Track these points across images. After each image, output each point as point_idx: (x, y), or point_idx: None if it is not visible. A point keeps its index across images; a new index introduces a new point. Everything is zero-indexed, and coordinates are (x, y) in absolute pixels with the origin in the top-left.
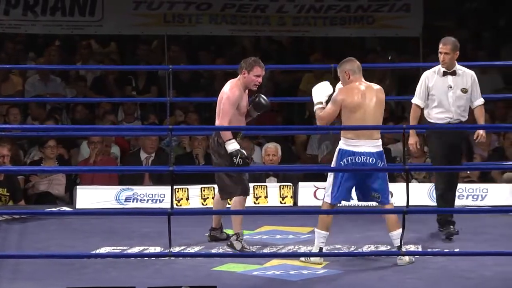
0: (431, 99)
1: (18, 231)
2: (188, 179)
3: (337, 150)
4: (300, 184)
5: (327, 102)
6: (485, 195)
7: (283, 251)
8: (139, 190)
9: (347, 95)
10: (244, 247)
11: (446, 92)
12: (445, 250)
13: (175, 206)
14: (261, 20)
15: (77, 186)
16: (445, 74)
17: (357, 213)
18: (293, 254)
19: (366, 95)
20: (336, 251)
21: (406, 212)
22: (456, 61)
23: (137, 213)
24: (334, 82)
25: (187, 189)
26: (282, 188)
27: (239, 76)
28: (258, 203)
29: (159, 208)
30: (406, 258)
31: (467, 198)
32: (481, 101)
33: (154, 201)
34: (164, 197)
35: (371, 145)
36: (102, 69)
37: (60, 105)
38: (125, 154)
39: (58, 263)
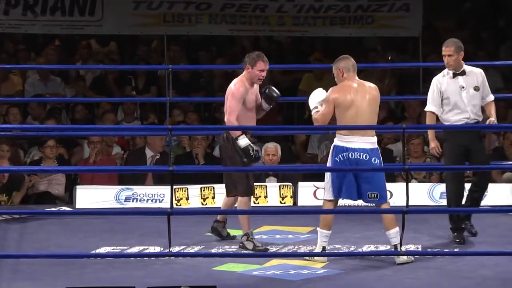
0: (445, 103)
1: (17, 231)
2: (188, 179)
3: (332, 146)
4: (300, 184)
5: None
6: (485, 195)
7: (283, 251)
8: (139, 190)
9: (339, 93)
10: (256, 245)
11: (460, 93)
12: (445, 250)
13: (174, 206)
14: (260, 20)
15: (77, 186)
16: (455, 75)
17: (357, 213)
18: (293, 254)
19: (359, 93)
20: (335, 251)
21: (406, 212)
22: (463, 61)
23: (137, 213)
24: (333, 82)
25: (187, 189)
26: (282, 188)
27: (244, 72)
28: (258, 203)
29: (159, 208)
30: (405, 256)
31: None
32: (491, 97)
33: (154, 201)
34: (163, 197)
35: (365, 142)
36: (102, 69)
37: (60, 105)
38: (130, 150)
39: (58, 263)
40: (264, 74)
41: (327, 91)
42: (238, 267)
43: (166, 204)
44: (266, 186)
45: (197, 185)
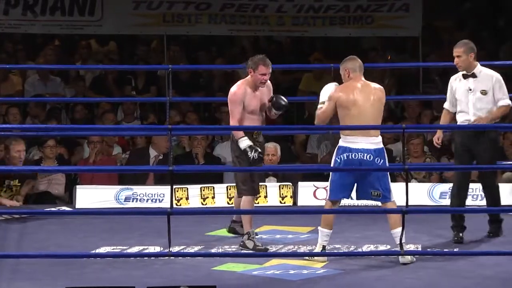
0: (456, 103)
1: (17, 231)
2: (188, 178)
3: (337, 147)
4: (300, 183)
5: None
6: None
7: (283, 250)
8: (139, 189)
9: (342, 92)
10: (256, 245)
11: (467, 95)
12: (445, 250)
13: (174, 205)
14: (260, 20)
15: (77, 186)
16: (465, 77)
17: (357, 213)
18: (293, 254)
19: (362, 93)
20: (335, 251)
21: (406, 212)
22: (477, 63)
23: (137, 213)
24: (333, 81)
25: (187, 188)
26: (282, 188)
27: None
28: (258, 203)
29: (159, 207)
30: (409, 256)
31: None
32: (503, 102)
33: (154, 200)
34: (163, 196)
35: (369, 142)
36: (102, 69)
37: (60, 105)
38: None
39: (58, 263)
40: (266, 78)
41: None
42: (238, 267)
43: (166, 204)
44: (266, 186)
45: (197, 185)
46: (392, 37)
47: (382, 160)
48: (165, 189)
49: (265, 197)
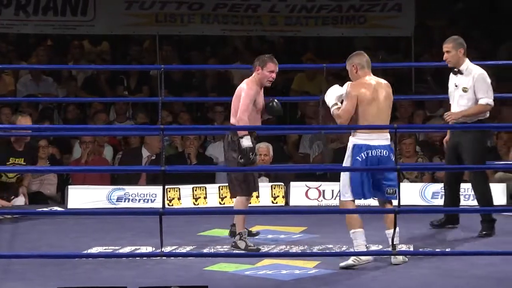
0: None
1: (9, 231)
2: (180, 179)
3: (351, 146)
4: (292, 183)
5: (342, 102)
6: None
7: (275, 251)
8: (131, 190)
9: (361, 89)
10: (248, 245)
11: (453, 91)
12: (437, 250)
13: (166, 206)
14: (253, 20)
15: (69, 186)
16: (454, 73)
17: (350, 213)
18: (285, 254)
19: (378, 90)
20: (328, 251)
21: (398, 211)
22: (467, 59)
23: (129, 213)
24: (325, 81)
25: (179, 189)
26: (274, 188)
27: (253, 74)
28: (250, 203)
29: (151, 208)
30: (400, 257)
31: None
32: (483, 101)
33: (146, 201)
34: (155, 197)
35: (383, 138)
36: (94, 69)
37: (52, 105)
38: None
39: (50, 263)
40: (273, 75)
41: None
42: (230, 267)
43: (158, 204)
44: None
45: (189, 185)
46: (385, 37)
47: (393, 156)
48: (157, 189)
49: (257, 197)
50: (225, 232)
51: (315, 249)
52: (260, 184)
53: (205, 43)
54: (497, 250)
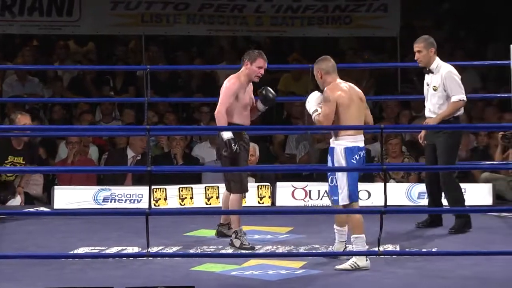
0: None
1: None
2: (166, 179)
3: (341, 150)
4: (278, 184)
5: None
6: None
7: (262, 251)
8: (117, 190)
9: (339, 92)
10: (243, 243)
11: (427, 90)
12: (423, 250)
13: (153, 206)
14: (238, 20)
15: (55, 187)
16: (427, 72)
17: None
18: (272, 254)
19: (352, 92)
20: (314, 251)
21: (384, 212)
22: (437, 58)
23: (115, 213)
24: (311, 82)
25: (165, 189)
26: (260, 188)
27: (242, 68)
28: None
29: (137, 208)
30: (347, 264)
31: (444, 197)
32: (455, 97)
33: (132, 201)
34: (142, 197)
35: (363, 140)
36: (80, 69)
37: (38, 105)
38: (111, 150)
39: (36, 264)
40: (262, 71)
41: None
42: (217, 267)
43: (144, 205)
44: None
45: (176, 185)
46: (371, 37)
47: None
48: (143, 190)
49: (244, 197)
50: (212, 232)
51: (302, 249)
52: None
53: (191, 43)
54: (483, 250)
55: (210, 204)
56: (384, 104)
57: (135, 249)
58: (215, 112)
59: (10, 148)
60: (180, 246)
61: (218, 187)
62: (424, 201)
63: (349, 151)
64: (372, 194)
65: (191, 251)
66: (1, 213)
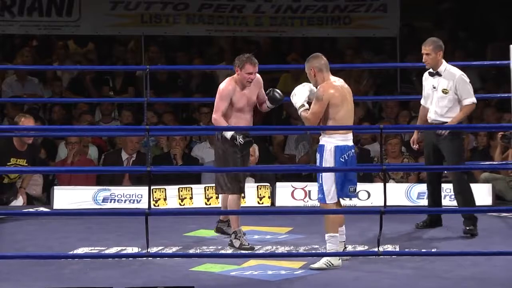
0: (426, 100)
1: None
2: (166, 179)
3: (331, 148)
4: (278, 184)
5: (309, 103)
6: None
7: (261, 251)
8: (117, 190)
9: (332, 91)
10: (243, 244)
11: (432, 93)
12: (423, 250)
13: (152, 206)
14: (238, 20)
15: (55, 187)
16: (431, 74)
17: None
18: (271, 254)
19: (345, 91)
20: (314, 251)
21: (384, 212)
22: (444, 61)
23: (115, 214)
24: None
25: (165, 189)
26: (260, 189)
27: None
28: None
29: (137, 208)
30: (322, 263)
31: (444, 198)
32: (468, 101)
33: (132, 201)
34: (141, 197)
35: (351, 139)
36: (80, 69)
37: (37, 105)
38: (105, 152)
39: (36, 264)
40: (252, 77)
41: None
42: (216, 268)
43: (144, 205)
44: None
45: (175, 185)
46: (370, 38)
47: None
48: (143, 190)
49: (243, 197)
50: (211, 233)
51: (301, 250)
52: (246, 184)
53: (191, 44)
54: (482, 251)
55: (210, 204)
56: (384, 104)
57: (135, 250)
58: (212, 119)
59: (12, 150)
60: (179, 247)
61: None
62: (424, 201)
63: (339, 150)
64: (372, 194)
65: (191, 251)
66: (1, 213)
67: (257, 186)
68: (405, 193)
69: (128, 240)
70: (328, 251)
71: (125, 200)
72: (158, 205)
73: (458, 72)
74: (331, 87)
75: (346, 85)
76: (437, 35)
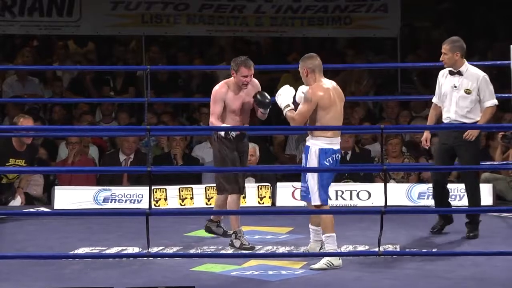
0: (442, 99)
1: None
2: (166, 179)
3: (315, 150)
4: (278, 184)
5: (294, 103)
6: (463, 195)
7: (262, 251)
8: (117, 190)
9: (321, 94)
10: (243, 243)
11: (451, 92)
12: (423, 250)
13: (153, 206)
14: (238, 21)
15: (55, 187)
16: (452, 73)
17: (334, 213)
18: (272, 254)
19: (334, 93)
20: (314, 252)
21: (384, 212)
22: (465, 61)
23: (115, 214)
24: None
25: (165, 189)
26: (260, 189)
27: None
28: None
29: (137, 208)
30: (323, 264)
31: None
32: (490, 102)
33: (132, 201)
34: (142, 197)
35: (339, 142)
36: (80, 69)
37: (38, 105)
38: (104, 153)
39: (36, 264)
40: (247, 79)
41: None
42: (217, 268)
43: (144, 205)
44: (244, 187)
45: (176, 185)
46: (371, 38)
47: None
48: (144, 190)
49: (244, 197)
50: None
51: (302, 250)
52: (246, 184)
53: (191, 44)
54: (483, 251)
55: (211, 204)
56: (384, 104)
57: (136, 250)
58: (209, 123)
59: (11, 150)
60: (180, 247)
61: None
62: (425, 201)
63: (323, 153)
64: (372, 194)
65: (191, 251)
66: (1, 213)
67: (258, 186)
68: (406, 193)
69: (129, 240)
70: (328, 251)
71: (126, 200)
72: (158, 205)
73: (481, 73)
74: (321, 90)
75: (338, 88)
76: (436, 35)
